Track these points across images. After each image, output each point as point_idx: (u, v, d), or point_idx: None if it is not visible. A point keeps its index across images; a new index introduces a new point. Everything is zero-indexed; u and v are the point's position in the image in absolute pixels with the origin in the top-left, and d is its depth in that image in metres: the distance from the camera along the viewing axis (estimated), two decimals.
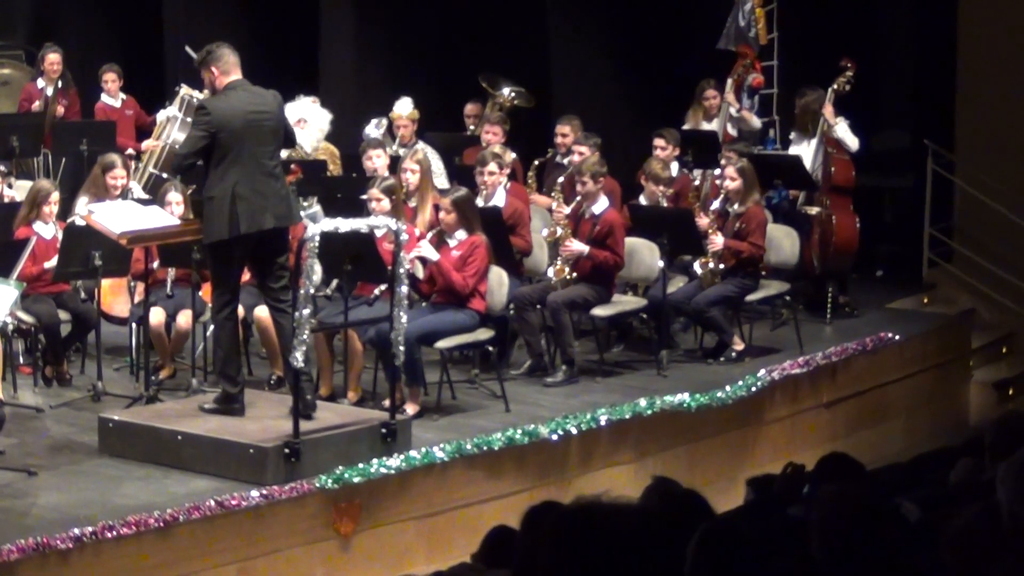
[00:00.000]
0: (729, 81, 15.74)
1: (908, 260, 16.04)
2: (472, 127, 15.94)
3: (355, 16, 17.88)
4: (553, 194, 13.91)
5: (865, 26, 16.22)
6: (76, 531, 10.00)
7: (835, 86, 14.87)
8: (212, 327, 12.03)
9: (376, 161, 14.00)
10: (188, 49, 12.14)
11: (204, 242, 11.52)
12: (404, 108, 15.23)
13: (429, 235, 12.67)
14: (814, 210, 14.89)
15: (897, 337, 14.43)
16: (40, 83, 17.59)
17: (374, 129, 15.19)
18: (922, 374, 14.63)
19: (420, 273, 12.45)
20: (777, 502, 7.49)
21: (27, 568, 9.81)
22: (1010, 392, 14.98)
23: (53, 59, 17.59)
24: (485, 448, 11.71)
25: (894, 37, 16.38)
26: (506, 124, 15.35)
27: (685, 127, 15.48)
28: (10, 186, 14.22)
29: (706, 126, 15.50)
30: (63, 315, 13.14)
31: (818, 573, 5.19)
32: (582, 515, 4.31)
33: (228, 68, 11.37)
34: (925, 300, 15.62)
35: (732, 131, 15.50)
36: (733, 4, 15.73)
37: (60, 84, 17.51)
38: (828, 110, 14.92)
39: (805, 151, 14.98)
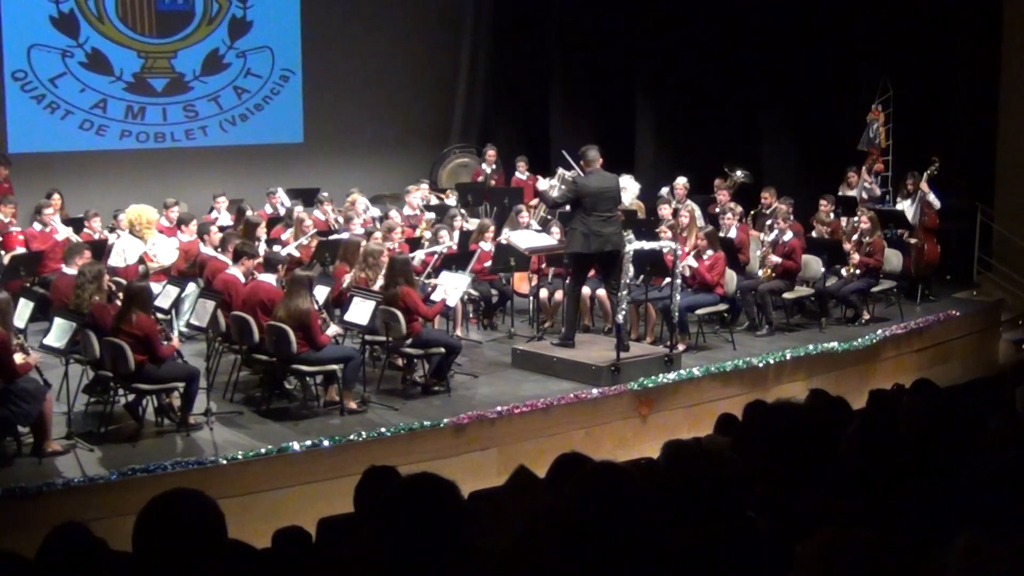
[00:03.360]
0: (863, 169, 15.51)
1: (966, 270, 15.55)
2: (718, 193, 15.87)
3: (655, 128, 17.89)
4: (763, 233, 13.80)
5: (943, 135, 15.80)
6: (498, 408, 10.29)
7: (928, 171, 14.48)
8: (568, 297, 12.17)
9: (664, 210, 14.02)
10: (564, 152, 12.36)
11: (567, 252, 11.81)
12: (680, 181, 15.20)
13: (692, 253, 12.70)
14: (913, 240, 14.57)
15: (958, 313, 13.91)
16: (484, 166, 17.92)
17: (664, 192, 15.20)
18: (972, 335, 14.10)
19: (687, 272, 12.47)
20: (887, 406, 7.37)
21: (473, 428, 10.08)
22: (1023, 347, 14.53)
23: (491, 154, 17.84)
24: (721, 370, 11.64)
25: (961, 141, 15.89)
26: (732, 189, 15.25)
27: (840, 193, 15.26)
28: (467, 221, 14.54)
29: (851, 192, 15.24)
30: (493, 291, 13.44)
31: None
32: (779, 409, 4.36)
33: (591, 161, 11.58)
34: (975, 293, 15.09)
35: (864, 195, 15.22)
36: (866, 123, 15.49)
37: (495, 167, 17.85)
38: (924, 185, 14.57)
39: (907, 207, 14.71)
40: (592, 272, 12.15)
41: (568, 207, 12.04)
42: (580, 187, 11.50)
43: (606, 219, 11.45)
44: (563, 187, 12.00)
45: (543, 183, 13.86)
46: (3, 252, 13.45)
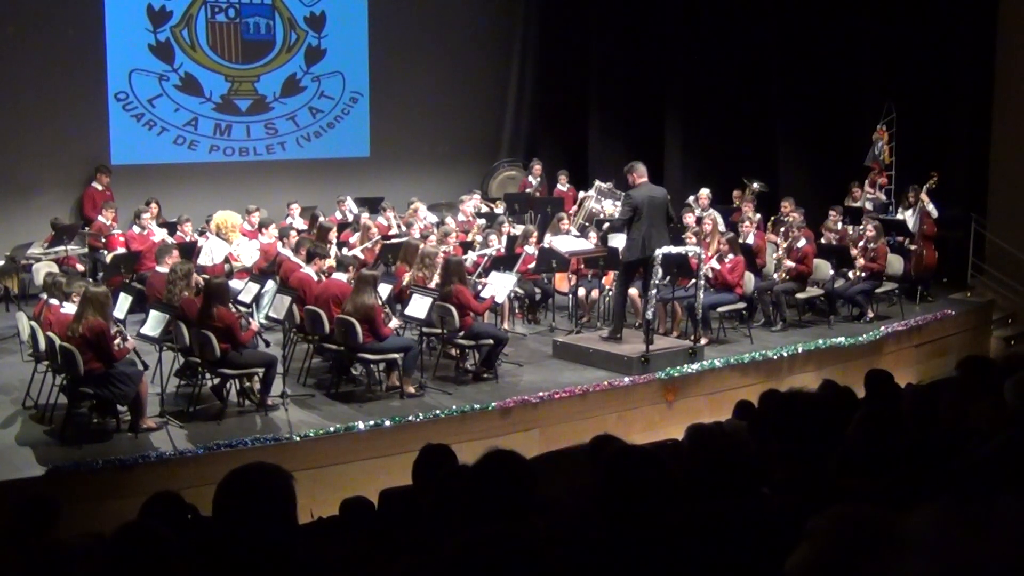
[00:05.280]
0: (866, 183, 15.41)
1: (960, 274, 15.35)
2: (736, 202, 15.73)
3: (682, 145, 17.75)
4: (779, 239, 13.70)
5: (940, 153, 15.62)
6: (541, 394, 10.27)
7: (927, 184, 14.34)
8: (612, 294, 12.10)
9: (689, 218, 13.89)
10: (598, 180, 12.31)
11: (625, 259, 11.57)
12: (704, 191, 15.06)
13: (715, 257, 12.62)
14: (913, 247, 14.42)
15: (953, 312, 13.77)
16: (530, 178, 17.83)
17: (689, 201, 15.06)
18: (965, 332, 13.93)
19: (710, 274, 12.39)
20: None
21: (517, 411, 10.10)
22: (1012, 343, 14.29)
23: (537, 168, 17.74)
24: (739, 361, 11.53)
25: (957, 157, 15.69)
26: (753, 201, 15.14)
27: (846, 204, 15.11)
28: (513, 227, 14.50)
29: (855, 204, 15.10)
30: (537, 290, 13.37)
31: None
32: (791, 396, 4.32)
33: (640, 175, 11.39)
34: (968, 294, 14.89)
35: (870, 206, 15.08)
36: (872, 141, 15.33)
37: (540, 180, 17.76)
38: (924, 196, 14.42)
39: (908, 217, 14.56)
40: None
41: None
42: (634, 201, 11.28)
43: (656, 226, 11.28)
44: (621, 205, 11.91)
45: (601, 204, 13.74)
46: (106, 252, 13.64)
